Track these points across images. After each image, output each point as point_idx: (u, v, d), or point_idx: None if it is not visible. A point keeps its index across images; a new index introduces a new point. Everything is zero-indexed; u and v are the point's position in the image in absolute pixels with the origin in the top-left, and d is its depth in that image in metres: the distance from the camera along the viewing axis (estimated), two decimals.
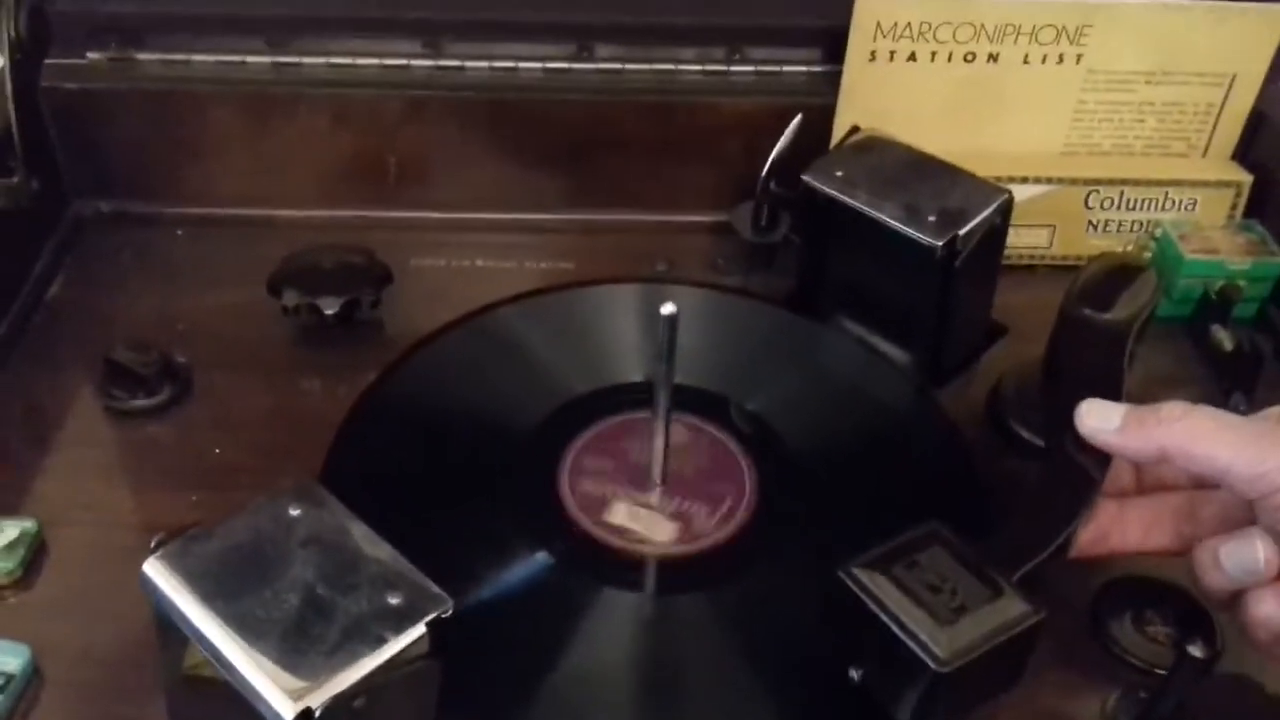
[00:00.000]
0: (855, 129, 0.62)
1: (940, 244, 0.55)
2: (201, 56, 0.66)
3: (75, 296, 0.64)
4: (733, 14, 0.67)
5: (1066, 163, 0.68)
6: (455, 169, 0.69)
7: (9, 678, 0.44)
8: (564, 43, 0.67)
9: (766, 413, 0.56)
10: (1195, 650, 0.43)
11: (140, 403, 0.57)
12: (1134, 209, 0.67)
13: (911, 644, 0.40)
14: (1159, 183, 0.66)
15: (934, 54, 0.64)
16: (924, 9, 0.63)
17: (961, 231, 0.55)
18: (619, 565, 0.50)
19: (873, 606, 0.41)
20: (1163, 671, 0.47)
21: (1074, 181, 0.66)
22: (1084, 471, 0.46)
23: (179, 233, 0.68)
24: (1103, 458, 0.46)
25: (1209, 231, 0.66)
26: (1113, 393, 0.50)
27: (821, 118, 0.66)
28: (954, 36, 0.63)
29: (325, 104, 0.66)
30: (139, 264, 0.67)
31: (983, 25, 0.63)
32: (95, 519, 0.52)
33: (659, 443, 0.51)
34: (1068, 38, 0.64)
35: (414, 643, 0.36)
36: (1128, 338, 0.52)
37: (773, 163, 0.62)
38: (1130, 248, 0.68)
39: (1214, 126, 0.67)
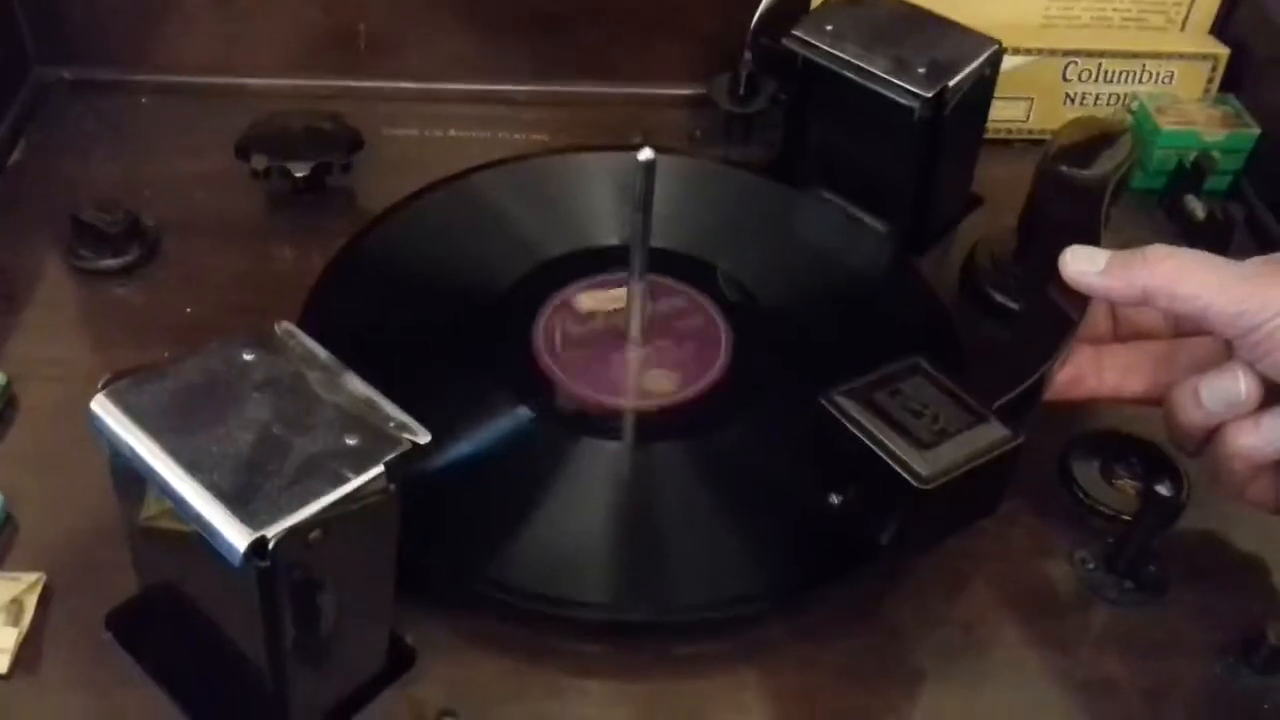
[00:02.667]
0: None
1: (930, 95, 0.54)
2: None
3: (39, 162, 0.63)
4: None
5: (1045, 34, 0.67)
6: (427, 38, 0.67)
7: None
8: None
9: (743, 276, 0.56)
10: (1162, 489, 0.44)
11: (108, 262, 0.56)
12: (1111, 81, 0.67)
13: (893, 464, 0.40)
14: (1136, 55, 0.66)
15: None
16: None
17: (951, 83, 0.55)
18: (595, 417, 0.50)
19: (854, 430, 0.41)
20: (1129, 518, 0.47)
21: (1052, 53, 0.66)
22: (1062, 314, 0.46)
23: (144, 100, 0.67)
24: (1081, 301, 0.46)
25: (1185, 104, 0.66)
26: (1088, 239, 0.50)
27: None
28: None
29: None
30: (104, 131, 0.65)
31: None
32: (64, 375, 0.52)
33: (637, 296, 0.51)
34: None
35: (372, 480, 0.35)
36: (1105, 193, 0.52)
37: (762, 13, 0.61)
38: None
39: (1192, 1, 0.67)
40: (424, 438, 0.37)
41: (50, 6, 0.65)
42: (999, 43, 0.56)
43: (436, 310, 0.54)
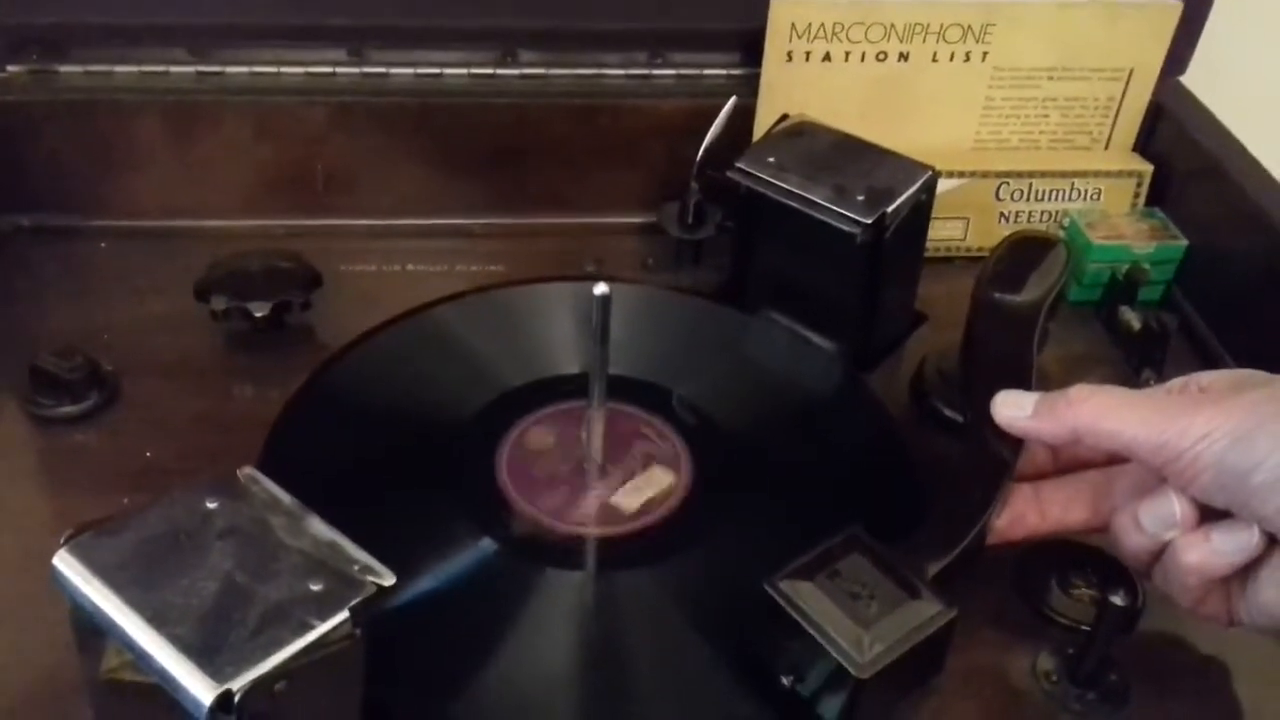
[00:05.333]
0: (785, 116, 0.64)
1: (870, 221, 0.57)
2: (124, 67, 0.66)
3: None
4: (654, 18, 0.69)
5: (977, 157, 0.70)
6: (383, 175, 0.69)
7: None
8: (488, 49, 0.68)
9: (701, 401, 0.57)
10: (1117, 599, 0.45)
11: (67, 409, 0.56)
12: (1042, 199, 0.70)
13: (834, 652, 0.41)
14: (1065, 174, 0.69)
15: (848, 54, 0.67)
16: (835, 11, 0.65)
17: (889, 209, 0.57)
18: (560, 546, 0.50)
19: (797, 617, 0.42)
20: (1088, 628, 0.48)
21: (985, 174, 0.69)
22: (998, 458, 0.48)
23: (103, 245, 0.68)
24: (1015, 443, 0.48)
25: (1114, 219, 0.69)
26: (1023, 372, 0.52)
27: (743, 118, 0.68)
28: (866, 36, 0.66)
29: (250, 112, 0.67)
30: (63, 277, 0.66)
31: (892, 25, 0.66)
32: (22, 526, 0.51)
33: (598, 426, 0.52)
34: (973, 36, 0.66)
35: (337, 626, 0.36)
36: (1037, 319, 0.54)
37: (707, 147, 0.63)
38: None
39: (1114, 119, 0.71)
40: (388, 580, 0.38)
41: (7, 155, 0.66)
42: (933, 168, 0.59)
43: (398, 444, 0.55)
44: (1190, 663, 0.49)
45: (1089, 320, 0.67)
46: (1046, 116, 0.70)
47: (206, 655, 0.34)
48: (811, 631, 0.42)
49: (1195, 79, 0.71)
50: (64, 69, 0.66)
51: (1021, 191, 0.69)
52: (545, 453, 0.54)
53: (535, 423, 0.55)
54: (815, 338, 0.62)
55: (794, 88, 0.67)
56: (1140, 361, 0.63)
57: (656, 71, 0.69)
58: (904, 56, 0.67)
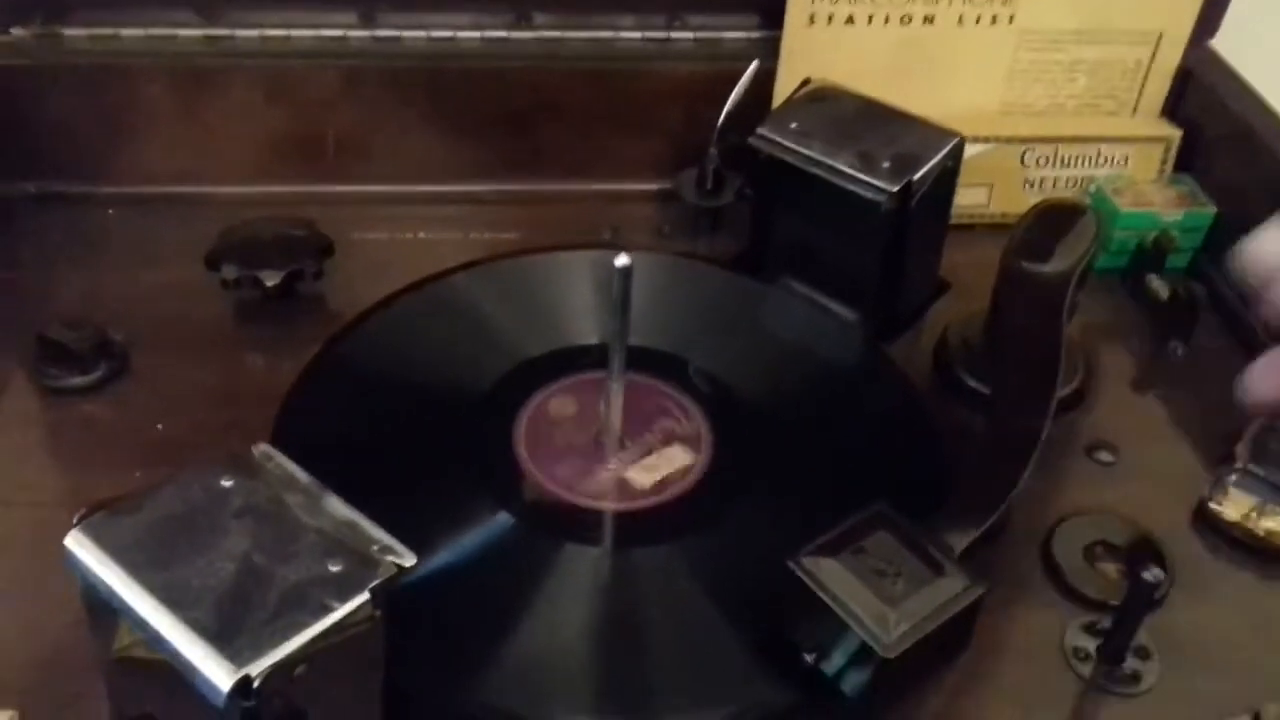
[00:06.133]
0: (807, 81, 0.62)
1: (896, 189, 0.55)
2: (130, 30, 0.64)
3: (4, 278, 0.62)
4: None
5: (1002, 122, 0.69)
6: (395, 141, 0.68)
7: None
8: (501, 11, 0.67)
9: (720, 371, 0.56)
10: (1149, 575, 0.44)
11: (77, 380, 0.56)
12: (1068, 166, 0.68)
13: (859, 631, 0.40)
14: (1091, 139, 0.68)
15: (871, 16, 0.65)
16: None
17: (915, 176, 0.56)
18: (578, 521, 0.50)
19: (822, 595, 0.41)
20: (1115, 604, 0.47)
21: (1010, 140, 0.67)
22: (1025, 430, 0.47)
23: (110, 212, 0.66)
24: (1043, 414, 0.47)
25: (1141, 185, 0.68)
26: (1052, 344, 0.51)
27: (763, 83, 0.66)
28: None
29: (259, 76, 0.65)
30: (70, 244, 0.64)
31: None
32: (35, 499, 0.51)
33: (616, 399, 0.51)
34: None
35: (357, 608, 0.35)
36: (1066, 290, 0.53)
37: (728, 112, 0.62)
38: None
39: (1143, 84, 0.69)
40: (409, 560, 0.37)
41: (13, 120, 0.65)
42: (960, 135, 0.57)
43: (413, 416, 0.54)
44: (1219, 639, 0.49)
45: (1115, 288, 0.66)
46: (1074, 80, 0.69)
47: (224, 639, 0.33)
48: (837, 609, 0.41)
49: (1226, 43, 0.70)
50: (69, 32, 0.64)
51: (1047, 158, 0.68)
52: (563, 425, 0.53)
53: (552, 395, 0.54)
54: (836, 307, 0.61)
55: (816, 51, 0.65)
56: (1168, 331, 0.62)
57: (674, 34, 0.68)
58: (929, 19, 0.65)
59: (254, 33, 0.65)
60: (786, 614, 0.43)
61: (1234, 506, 0.52)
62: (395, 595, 0.36)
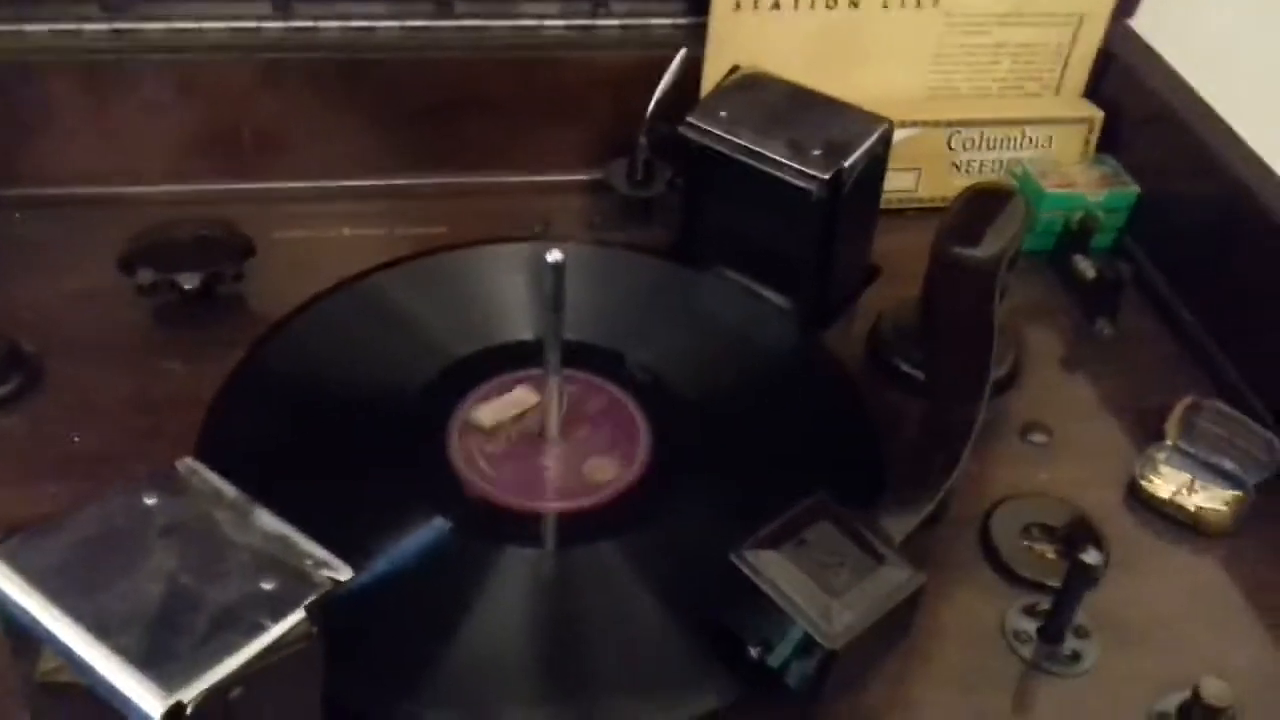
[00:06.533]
0: (736, 68, 0.62)
1: (827, 176, 0.55)
2: (34, 26, 0.62)
3: None
4: None
5: (929, 106, 0.69)
6: (315, 135, 0.66)
7: None
8: (421, 0, 0.65)
9: (656, 364, 0.56)
10: (1088, 557, 0.44)
11: None
12: (994, 148, 0.69)
13: (803, 622, 0.40)
14: (1016, 122, 0.68)
15: (796, 1, 0.64)
16: None
17: (846, 163, 0.56)
18: (517, 523, 0.49)
19: (765, 588, 0.41)
20: (1053, 584, 0.48)
21: (937, 124, 0.67)
22: (960, 419, 0.47)
23: (18, 216, 0.64)
24: (976, 402, 0.47)
25: (1066, 167, 0.68)
26: (985, 328, 0.51)
27: (690, 70, 0.66)
28: None
29: (170, 71, 0.63)
30: None
31: None
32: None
33: (553, 396, 0.50)
34: None
35: (293, 627, 0.34)
36: (997, 273, 0.53)
37: (658, 100, 0.61)
38: None
39: (1065, 66, 0.70)
40: (344, 574, 0.36)
41: None
42: (889, 121, 0.57)
43: (344, 420, 0.52)
44: (1157, 617, 0.49)
45: (1042, 269, 0.67)
46: (997, 64, 0.69)
47: (153, 664, 0.32)
48: (780, 602, 0.40)
49: (1143, 23, 0.70)
50: None
51: (973, 140, 0.68)
52: (498, 425, 0.52)
53: (486, 394, 0.53)
54: (770, 295, 0.61)
55: (743, 37, 0.65)
56: (1094, 310, 0.63)
57: (600, 22, 0.67)
58: (854, 3, 0.65)
59: (162, 25, 0.63)
60: (730, 607, 0.42)
61: (1165, 484, 0.53)
62: (332, 607, 0.35)
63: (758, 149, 0.56)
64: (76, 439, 0.52)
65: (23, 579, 0.34)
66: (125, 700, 0.32)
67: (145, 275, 0.57)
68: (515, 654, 0.45)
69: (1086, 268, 0.64)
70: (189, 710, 0.31)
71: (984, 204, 0.57)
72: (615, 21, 0.67)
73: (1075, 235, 0.66)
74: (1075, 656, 0.47)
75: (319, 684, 0.36)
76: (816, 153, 0.56)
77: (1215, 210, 0.63)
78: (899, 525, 0.44)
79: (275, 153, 0.66)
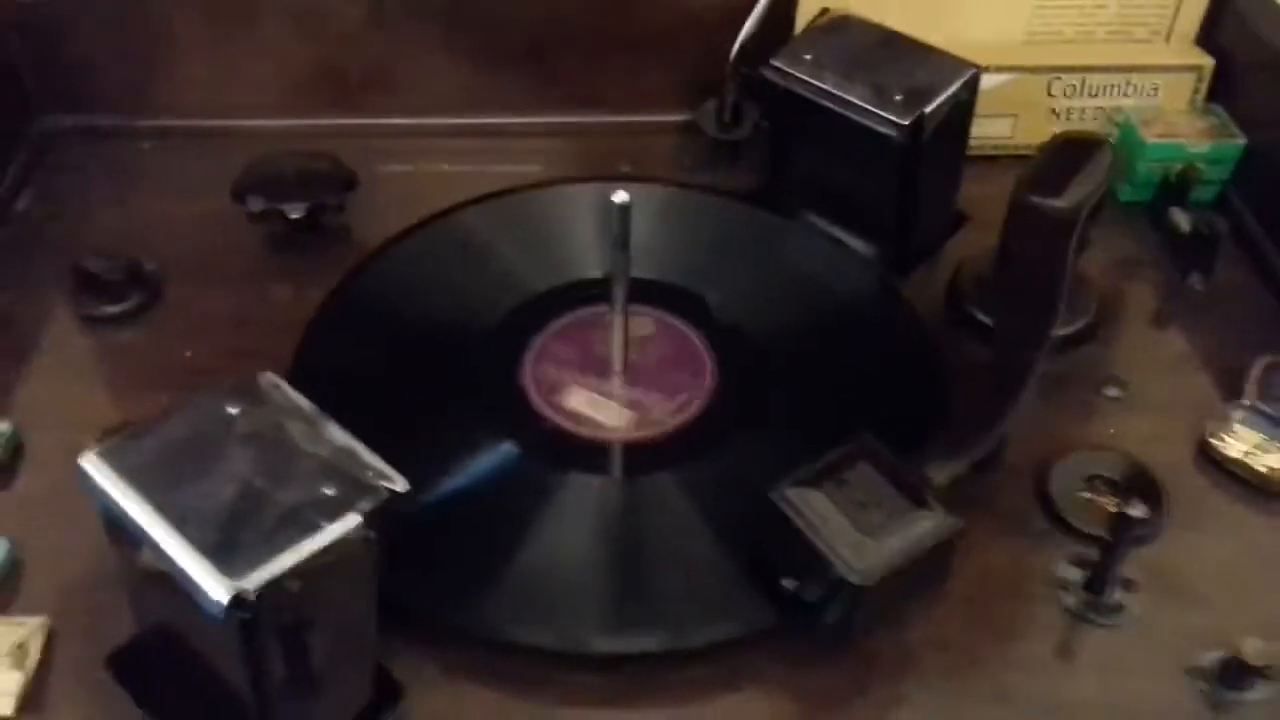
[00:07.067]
0: (825, 10, 0.62)
1: (907, 122, 0.55)
2: None
3: (44, 209, 0.65)
4: None
5: (1029, 51, 0.67)
6: (417, 73, 0.69)
7: None
8: None
9: (728, 305, 0.57)
10: (1135, 511, 0.44)
11: (110, 309, 0.58)
12: (1096, 96, 0.67)
13: (835, 560, 0.41)
14: (1120, 69, 0.66)
15: None
16: None
17: (928, 109, 0.55)
18: (582, 451, 0.51)
19: (800, 525, 0.43)
20: (1107, 538, 0.48)
21: (1035, 69, 0.66)
22: (1017, 366, 0.47)
23: (145, 145, 0.69)
24: (1036, 347, 0.47)
25: (1171, 116, 0.66)
26: (1056, 279, 0.51)
27: (784, 11, 0.66)
28: None
29: (285, 11, 0.66)
30: (106, 176, 0.67)
31: None
32: (69, 421, 0.53)
33: (617, 333, 0.52)
34: None
35: (351, 530, 0.37)
36: (1074, 225, 0.53)
37: (743, 43, 0.62)
38: None
39: (1175, 12, 0.67)
40: (401, 485, 0.39)
41: (50, 56, 0.67)
42: (976, 66, 0.57)
43: (424, 348, 0.55)
44: (1209, 575, 0.49)
45: (1138, 221, 0.65)
46: (1103, 8, 0.67)
47: (223, 557, 0.36)
48: (814, 539, 0.42)
49: None
50: None
51: (1074, 87, 0.67)
52: (571, 358, 0.54)
53: (561, 329, 0.55)
54: (853, 241, 0.61)
55: None
56: (1188, 264, 0.62)
57: None
58: None
59: None
60: (768, 542, 0.44)
61: (1237, 443, 0.52)
62: (399, 520, 0.38)
63: (839, 93, 0.56)
64: (189, 354, 0.57)
65: (117, 477, 0.38)
66: (196, 587, 0.35)
67: (255, 204, 0.61)
68: (564, 573, 0.47)
69: (1182, 221, 0.62)
70: (251, 598, 0.35)
71: (1071, 153, 0.56)
72: None
73: (1175, 187, 0.64)
74: (1118, 608, 0.47)
75: (374, 583, 0.40)
76: (899, 98, 0.56)
77: None
78: (945, 470, 0.45)
79: (380, 90, 0.69)
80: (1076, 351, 0.58)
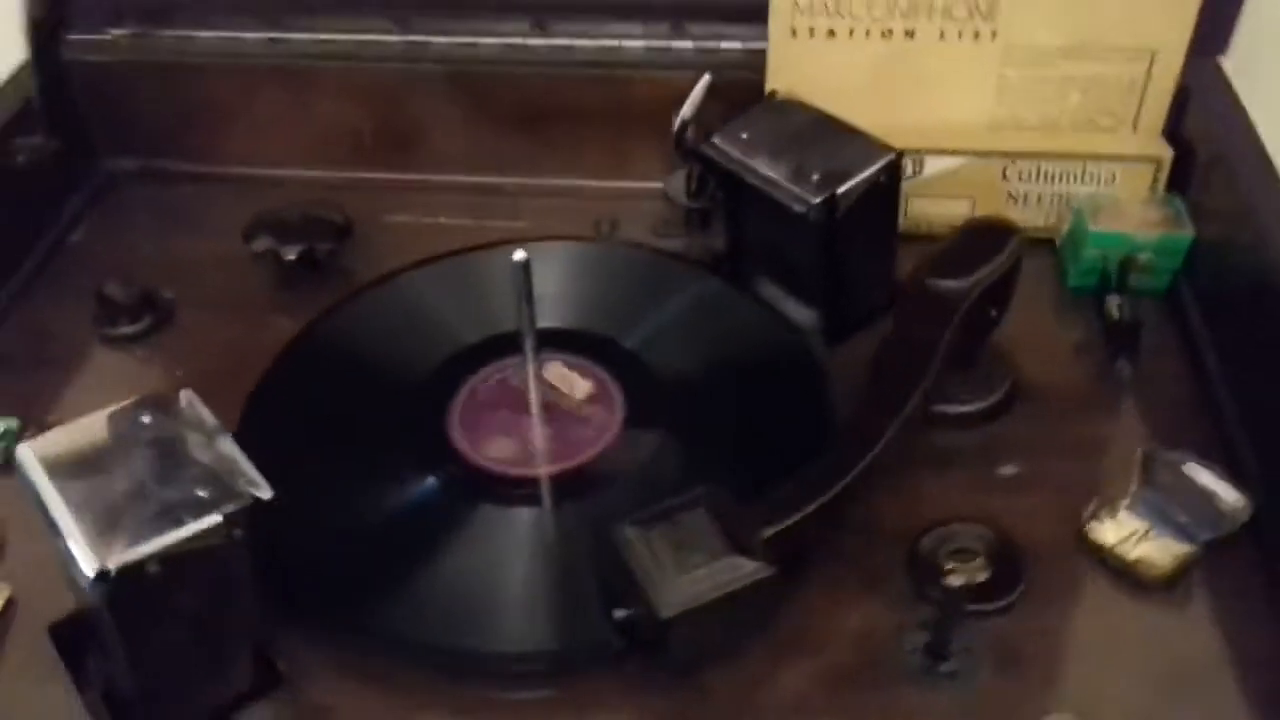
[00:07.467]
0: (773, 93, 0.66)
1: (817, 201, 0.59)
2: (206, 33, 0.75)
3: (92, 242, 0.75)
4: None
5: (990, 136, 0.70)
6: (423, 135, 0.76)
7: None
8: (520, 19, 0.74)
9: (642, 349, 0.62)
10: (952, 583, 0.47)
11: (124, 329, 0.67)
12: (1052, 181, 0.69)
13: (648, 592, 0.46)
14: (1076, 156, 0.68)
15: (851, 30, 0.68)
16: None
17: (840, 190, 0.59)
18: (495, 485, 0.56)
19: (629, 560, 0.47)
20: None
21: (989, 154, 0.69)
22: (859, 438, 0.50)
23: (188, 188, 0.78)
24: (889, 419, 0.50)
25: (1127, 205, 0.68)
26: (928, 358, 0.54)
27: (758, 92, 0.70)
28: (869, 13, 0.67)
29: (307, 76, 0.75)
30: (150, 215, 0.77)
31: (896, 2, 0.66)
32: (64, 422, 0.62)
33: (530, 378, 0.58)
34: (980, 14, 0.66)
35: (209, 527, 0.43)
36: (958, 307, 0.55)
37: (681, 123, 0.67)
38: (1051, 220, 0.70)
39: (1140, 102, 0.69)
40: (266, 494, 0.45)
41: (117, 108, 0.77)
42: (896, 151, 0.60)
43: (366, 392, 0.62)
44: (1051, 652, 0.51)
45: (1086, 306, 0.67)
46: (1066, 97, 0.69)
47: (101, 539, 0.43)
48: (637, 573, 0.46)
49: (1238, 60, 0.68)
50: (156, 34, 0.76)
51: (1030, 173, 0.69)
52: (495, 400, 0.60)
53: (486, 376, 0.61)
54: (797, 308, 0.65)
55: (801, 63, 0.69)
56: (1118, 350, 0.63)
57: (676, 44, 0.73)
58: (910, 34, 0.68)
59: (305, 36, 0.75)
60: (609, 574, 0.48)
61: (1115, 529, 0.54)
62: (256, 522, 0.45)
63: (764, 171, 0.61)
64: (179, 373, 0.65)
65: (39, 464, 0.46)
66: (75, 561, 0.42)
67: (259, 244, 0.69)
68: (444, 589, 0.53)
69: (1114, 308, 0.64)
70: (112, 573, 0.42)
71: (978, 238, 0.59)
72: (690, 44, 0.73)
73: (1117, 275, 0.65)
74: (953, 675, 0.49)
75: (245, 576, 0.46)
76: (815, 177, 0.59)
77: (1253, 268, 0.60)
78: (773, 523, 0.48)
79: (390, 149, 0.77)
80: (984, 427, 0.60)
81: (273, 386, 0.61)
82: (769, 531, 0.48)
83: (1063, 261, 0.69)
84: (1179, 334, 0.65)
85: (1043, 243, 0.70)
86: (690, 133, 0.67)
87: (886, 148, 0.60)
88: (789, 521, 0.48)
